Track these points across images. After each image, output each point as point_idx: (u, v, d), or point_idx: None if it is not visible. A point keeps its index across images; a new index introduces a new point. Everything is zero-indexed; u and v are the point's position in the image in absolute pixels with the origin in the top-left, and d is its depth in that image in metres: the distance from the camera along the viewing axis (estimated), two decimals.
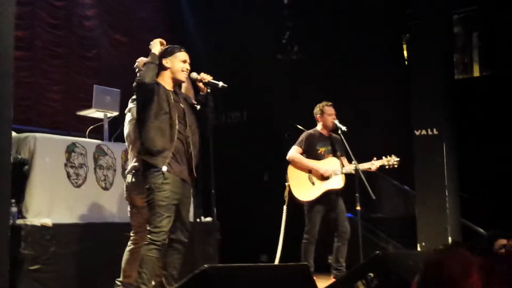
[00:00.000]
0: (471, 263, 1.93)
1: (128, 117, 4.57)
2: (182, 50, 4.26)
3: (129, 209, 4.47)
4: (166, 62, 4.21)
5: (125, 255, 4.43)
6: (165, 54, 4.23)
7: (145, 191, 4.03)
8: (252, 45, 9.36)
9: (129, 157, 4.49)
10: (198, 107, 4.34)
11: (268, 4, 9.57)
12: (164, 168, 4.00)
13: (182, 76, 4.23)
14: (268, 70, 9.45)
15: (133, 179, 4.34)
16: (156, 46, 4.20)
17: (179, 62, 4.21)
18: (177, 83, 4.28)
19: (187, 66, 4.25)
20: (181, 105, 4.20)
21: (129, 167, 4.42)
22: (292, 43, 9.46)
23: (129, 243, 4.45)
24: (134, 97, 4.43)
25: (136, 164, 4.32)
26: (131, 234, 4.45)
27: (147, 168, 4.02)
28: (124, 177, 4.53)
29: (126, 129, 4.54)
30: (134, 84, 4.10)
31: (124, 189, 4.43)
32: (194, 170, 4.19)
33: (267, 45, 9.56)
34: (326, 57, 9.29)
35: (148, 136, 4.02)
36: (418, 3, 7.53)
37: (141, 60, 4.46)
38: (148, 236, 3.97)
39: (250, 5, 9.36)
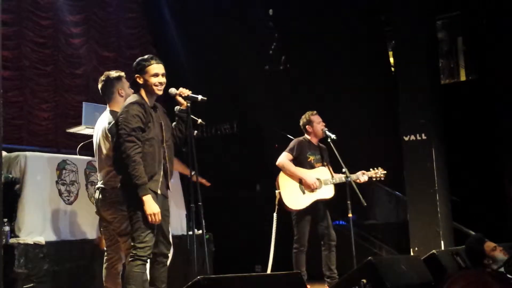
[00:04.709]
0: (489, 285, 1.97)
1: (103, 135, 4.39)
2: (152, 62, 4.10)
3: (98, 223, 4.46)
4: (139, 79, 4.11)
5: (104, 272, 4.43)
6: (136, 70, 4.13)
7: (129, 206, 3.99)
8: (239, 57, 9.41)
9: (100, 172, 4.39)
10: (200, 120, 4.37)
11: (254, 16, 9.64)
12: (159, 192, 4.02)
13: (157, 91, 4.11)
14: (256, 81, 9.51)
15: (100, 196, 4.33)
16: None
17: (150, 78, 4.07)
18: (154, 97, 4.18)
19: (160, 79, 4.09)
20: (159, 120, 4.15)
21: (100, 183, 4.35)
22: (278, 53, 9.53)
23: (105, 259, 4.44)
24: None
25: (110, 183, 4.29)
26: (105, 249, 4.44)
27: (129, 184, 3.94)
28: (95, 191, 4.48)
29: (104, 148, 4.37)
30: (124, 139, 3.93)
31: (94, 203, 4.43)
32: (169, 185, 4.19)
33: (254, 56, 9.62)
34: (312, 66, 9.36)
35: None
36: (401, 10, 7.61)
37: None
38: (133, 252, 3.93)
39: (235, 18, 9.43)
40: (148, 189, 3.91)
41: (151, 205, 3.89)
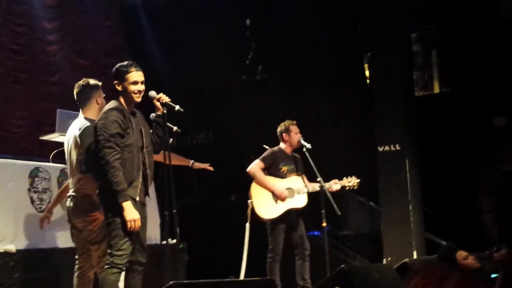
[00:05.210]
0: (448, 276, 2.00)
1: (74, 141, 4.35)
2: (132, 69, 4.08)
3: (70, 230, 4.44)
4: (118, 86, 4.10)
5: (75, 281, 4.39)
6: (115, 76, 4.11)
7: (107, 213, 3.97)
8: (216, 66, 9.44)
9: (72, 180, 4.38)
10: (175, 128, 4.37)
11: (231, 26, 9.67)
12: (138, 198, 3.99)
13: (136, 98, 4.11)
14: (233, 90, 9.53)
15: (72, 203, 4.32)
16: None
17: (130, 85, 4.06)
18: (133, 104, 4.17)
19: (139, 87, 4.08)
20: (139, 127, 4.14)
21: (71, 191, 4.34)
22: (255, 63, 9.56)
23: (76, 267, 4.40)
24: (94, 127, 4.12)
25: (81, 190, 4.28)
26: (76, 257, 4.41)
27: (107, 190, 3.93)
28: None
29: (75, 155, 4.33)
30: (105, 143, 3.91)
31: (65, 211, 4.42)
32: (148, 191, 4.18)
33: (231, 66, 9.64)
34: (289, 77, 9.41)
35: None
36: (377, 23, 7.71)
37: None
38: (110, 259, 3.90)
39: (213, 27, 9.45)
40: (128, 195, 3.89)
41: (131, 212, 3.87)
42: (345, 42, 9.40)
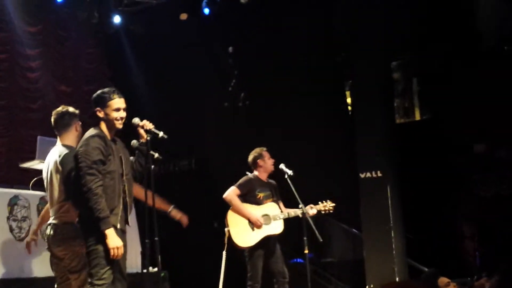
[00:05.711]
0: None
1: (55, 168, 4.32)
2: (115, 96, 4.07)
3: (49, 259, 4.38)
4: (99, 112, 4.08)
5: None
6: (97, 103, 4.10)
7: (88, 241, 3.93)
8: (198, 93, 9.46)
9: (52, 208, 4.32)
10: (157, 155, 4.35)
11: (213, 53, 9.73)
12: (119, 226, 3.95)
13: (118, 125, 4.10)
14: (215, 118, 9.55)
15: (52, 232, 4.27)
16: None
17: (112, 112, 4.05)
18: (114, 131, 4.15)
19: (121, 114, 4.07)
20: (119, 154, 4.11)
21: (51, 219, 4.29)
22: (238, 90, 9.60)
23: None
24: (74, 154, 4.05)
25: (62, 218, 4.24)
26: (55, 287, 4.35)
27: (89, 218, 3.89)
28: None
29: (56, 182, 4.30)
30: (88, 171, 3.87)
31: (45, 239, 4.37)
32: (128, 219, 4.14)
33: (214, 93, 9.68)
34: (271, 103, 9.46)
35: None
36: (358, 52, 7.82)
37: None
38: None
39: (195, 55, 9.50)
40: (111, 222, 3.85)
41: (113, 239, 3.82)
42: (326, 70, 9.49)
